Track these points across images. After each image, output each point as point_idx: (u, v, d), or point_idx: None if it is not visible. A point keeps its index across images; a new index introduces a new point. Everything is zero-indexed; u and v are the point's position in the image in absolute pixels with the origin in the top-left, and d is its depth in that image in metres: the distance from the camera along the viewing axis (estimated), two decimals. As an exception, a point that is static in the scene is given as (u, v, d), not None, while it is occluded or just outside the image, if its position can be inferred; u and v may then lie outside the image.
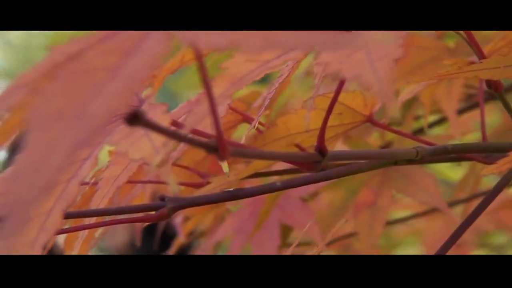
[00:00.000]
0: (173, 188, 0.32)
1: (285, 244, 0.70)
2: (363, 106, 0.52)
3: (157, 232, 0.88)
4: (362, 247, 0.69)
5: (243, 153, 0.34)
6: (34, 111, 0.26)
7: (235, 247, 0.70)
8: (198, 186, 0.55)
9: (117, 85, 0.27)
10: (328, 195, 0.73)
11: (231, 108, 0.53)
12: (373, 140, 0.74)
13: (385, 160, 0.42)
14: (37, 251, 0.33)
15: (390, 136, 0.73)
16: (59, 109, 0.26)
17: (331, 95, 0.53)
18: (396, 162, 0.43)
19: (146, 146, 0.34)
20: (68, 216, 0.46)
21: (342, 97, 0.53)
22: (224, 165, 0.46)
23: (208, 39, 0.26)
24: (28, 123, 0.26)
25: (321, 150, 0.38)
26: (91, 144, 0.25)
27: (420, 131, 0.74)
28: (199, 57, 0.30)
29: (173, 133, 0.32)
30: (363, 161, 0.43)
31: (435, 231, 1.19)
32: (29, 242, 0.33)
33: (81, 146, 0.25)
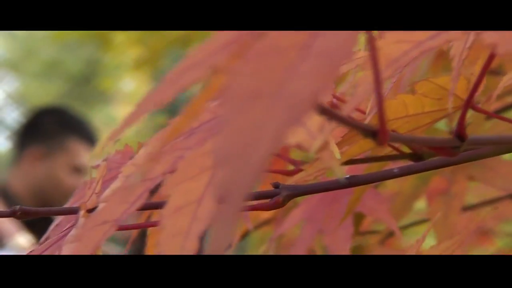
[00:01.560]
0: (339, 173, 0.31)
1: (357, 232, 0.69)
2: (464, 90, 0.51)
3: None
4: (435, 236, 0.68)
5: (399, 138, 0.33)
6: (227, 92, 0.25)
7: (305, 237, 0.68)
8: (290, 173, 0.54)
9: (313, 65, 0.25)
10: (397, 182, 0.72)
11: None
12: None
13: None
14: (191, 242, 0.31)
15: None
16: (254, 90, 0.25)
17: (435, 80, 0.51)
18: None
19: (299, 129, 0.33)
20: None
21: (443, 82, 0.51)
22: (336, 150, 0.45)
23: None
24: (222, 104, 0.25)
25: (460, 135, 0.37)
26: (298, 125, 0.24)
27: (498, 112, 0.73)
28: (371, 37, 0.29)
29: (335, 116, 0.31)
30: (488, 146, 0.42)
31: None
32: (182, 232, 0.31)
33: (289, 127, 0.24)
